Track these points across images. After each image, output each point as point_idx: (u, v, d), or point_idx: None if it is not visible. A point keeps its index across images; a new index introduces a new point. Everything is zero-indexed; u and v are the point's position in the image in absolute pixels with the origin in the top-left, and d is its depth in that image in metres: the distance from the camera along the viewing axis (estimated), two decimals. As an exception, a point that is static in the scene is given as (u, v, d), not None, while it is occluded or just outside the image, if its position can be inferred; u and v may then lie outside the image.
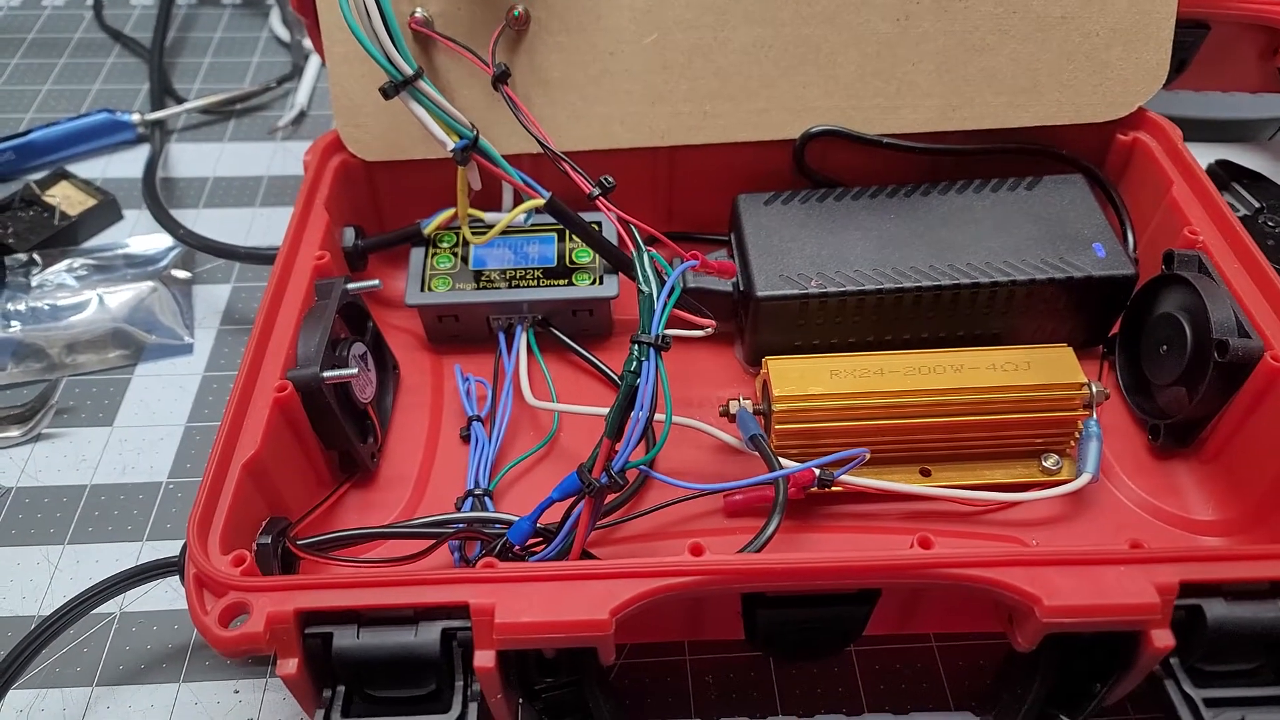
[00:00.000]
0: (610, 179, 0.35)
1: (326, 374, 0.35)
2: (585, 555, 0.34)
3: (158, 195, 0.51)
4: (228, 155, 0.58)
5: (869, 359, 0.38)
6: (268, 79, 0.62)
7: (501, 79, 0.38)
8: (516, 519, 0.34)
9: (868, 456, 0.35)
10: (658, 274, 0.34)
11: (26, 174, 0.56)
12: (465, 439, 0.41)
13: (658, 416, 0.35)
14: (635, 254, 0.34)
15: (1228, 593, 0.29)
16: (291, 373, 0.35)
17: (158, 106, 0.60)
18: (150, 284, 0.49)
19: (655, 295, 0.33)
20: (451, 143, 0.38)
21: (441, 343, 0.45)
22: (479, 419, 0.41)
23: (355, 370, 0.36)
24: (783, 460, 0.36)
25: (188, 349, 0.47)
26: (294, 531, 0.34)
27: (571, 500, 0.33)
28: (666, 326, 0.33)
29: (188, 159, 0.58)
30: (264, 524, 0.33)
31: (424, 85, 0.37)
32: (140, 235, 0.52)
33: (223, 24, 0.69)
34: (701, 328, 0.36)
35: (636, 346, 0.32)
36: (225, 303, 0.49)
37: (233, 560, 0.29)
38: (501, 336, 0.43)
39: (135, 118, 0.58)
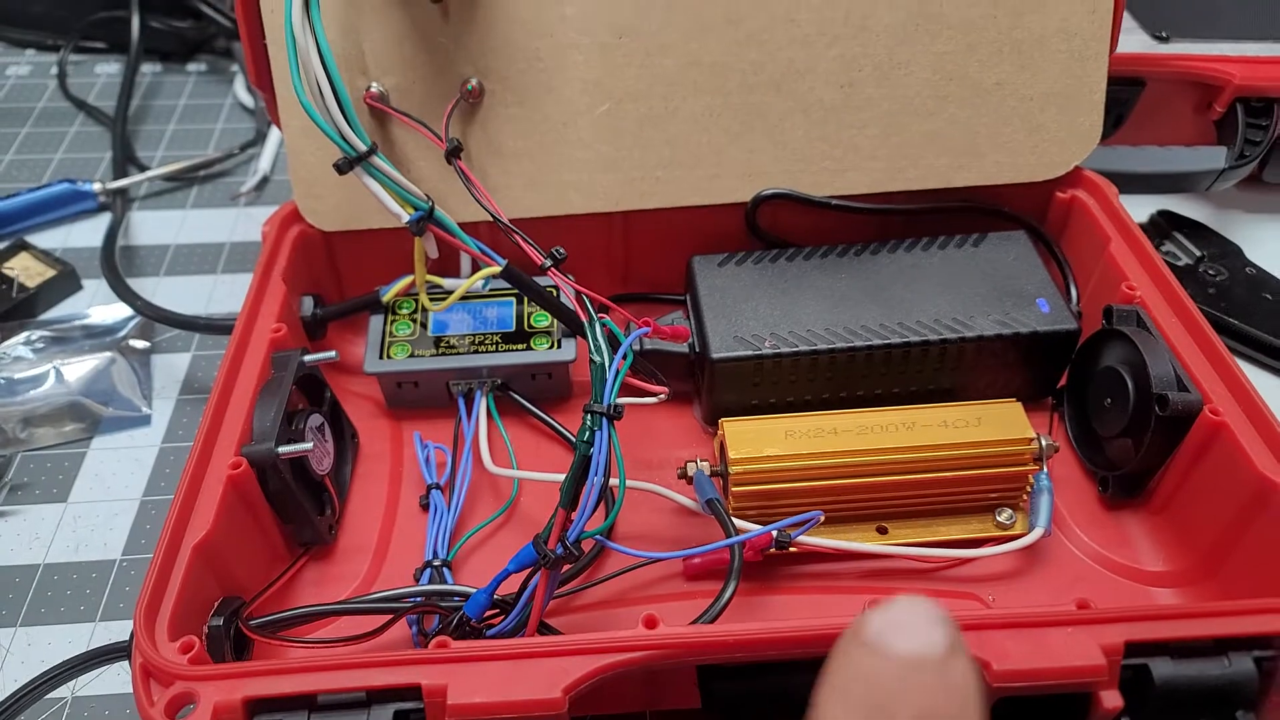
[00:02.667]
0: (561, 250, 0.36)
1: (282, 449, 0.35)
2: (543, 627, 0.34)
3: (116, 266, 0.51)
4: (190, 222, 0.58)
5: (823, 419, 0.39)
6: (231, 145, 0.63)
7: (454, 154, 0.39)
8: (474, 591, 0.34)
9: (822, 518, 0.35)
10: (610, 342, 0.34)
11: (-15, 245, 0.56)
12: (425, 507, 0.41)
13: (614, 481, 0.35)
14: (587, 324, 0.34)
15: (1174, 651, 0.29)
16: (246, 449, 0.35)
17: (120, 175, 0.60)
18: (109, 354, 0.49)
19: (607, 364, 0.34)
20: (406, 215, 0.38)
21: (401, 408, 0.45)
22: (438, 487, 0.41)
23: (311, 444, 0.36)
24: (739, 523, 0.36)
25: (145, 420, 0.47)
26: (248, 610, 0.34)
27: (528, 571, 0.33)
28: (620, 393, 0.33)
29: (149, 227, 0.58)
30: (216, 605, 0.33)
31: (378, 161, 0.38)
32: (100, 305, 0.52)
33: (187, 90, 0.69)
34: (655, 394, 0.36)
35: (589, 416, 0.33)
36: (185, 372, 0.49)
37: (180, 647, 0.29)
38: (461, 401, 0.44)
39: (96, 187, 0.58)
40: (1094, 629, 0.29)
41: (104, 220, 0.58)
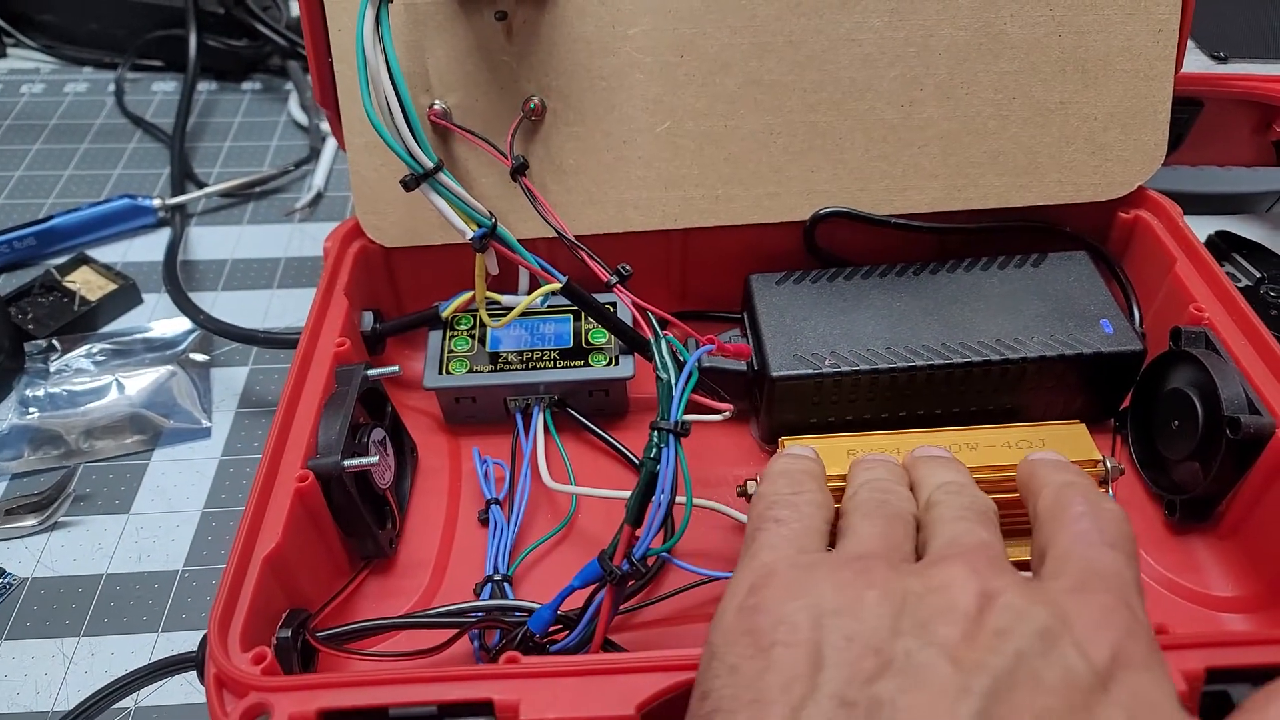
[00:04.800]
0: (628, 267, 0.36)
1: (347, 462, 0.35)
2: (607, 644, 0.33)
3: (178, 279, 0.52)
4: (246, 238, 0.59)
5: (884, 438, 0.38)
6: (286, 162, 0.64)
7: (520, 170, 0.40)
8: (537, 607, 0.34)
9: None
10: (675, 359, 0.34)
11: (47, 259, 0.57)
12: (484, 522, 0.41)
13: (678, 499, 0.35)
14: (653, 341, 0.34)
15: (1255, 677, 0.28)
16: (313, 462, 0.35)
17: (178, 191, 0.61)
18: (169, 368, 0.50)
19: (673, 381, 0.34)
20: (470, 231, 0.39)
21: (459, 424, 0.45)
22: (497, 502, 0.41)
23: (375, 458, 0.36)
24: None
25: (205, 433, 0.47)
26: (314, 622, 0.34)
27: (593, 587, 0.33)
28: (685, 411, 0.33)
29: (207, 242, 0.59)
30: (284, 616, 0.33)
31: (443, 177, 0.38)
32: (160, 319, 0.53)
33: (242, 109, 0.71)
34: (720, 411, 0.36)
35: (656, 433, 0.33)
36: (243, 385, 0.50)
37: (253, 658, 0.29)
38: (519, 417, 0.44)
39: (156, 202, 0.59)
40: (1174, 655, 0.28)
41: (162, 235, 0.59)
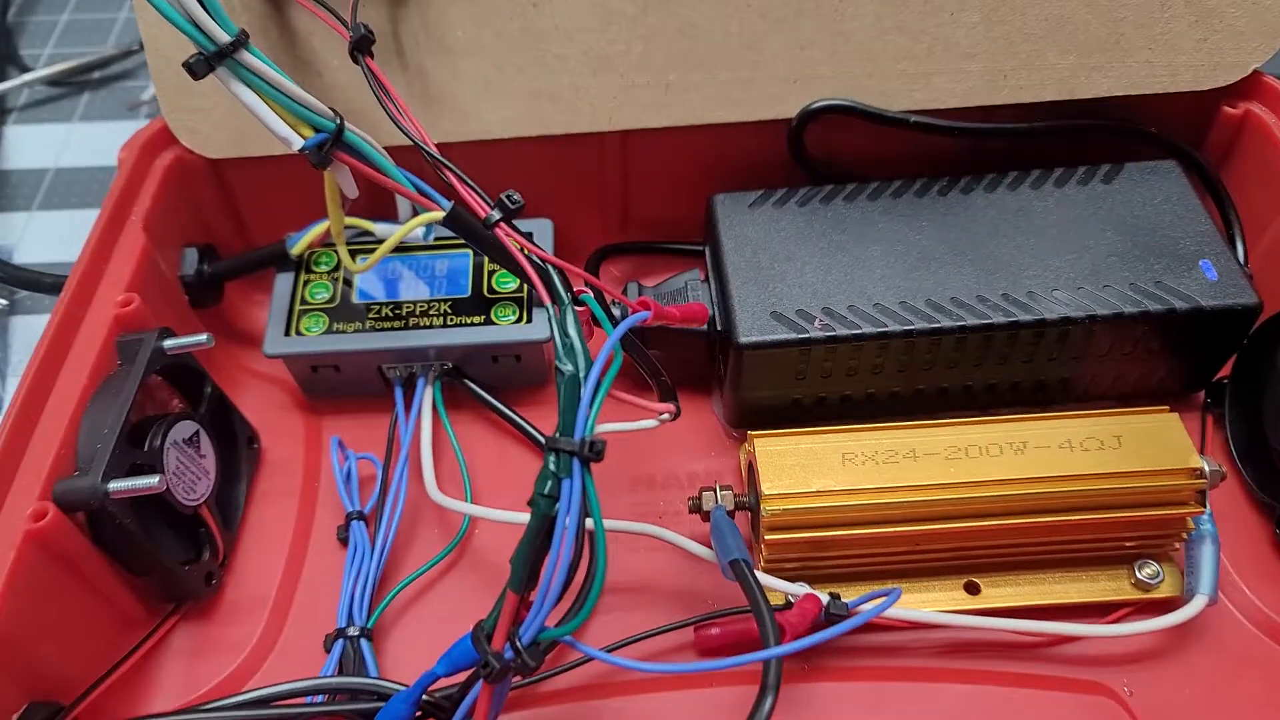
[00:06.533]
0: (516, 196, 0.24)
1: (114, 485, 0.24)
2: (489, 756, 0.23)
3: (-34, 199, 0.40)
4: (76, 138, 0.46)
5: (896, 436, 0.27)
6: (133, 40, 0.50)
7: (361, 47, 0.27)
8: (393, 690, 0.24)
9: (901, 596, 0.24)
10: (584, 342, 0.23)
11: None
12: (342, 541, 0.30)
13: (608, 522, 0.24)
14: (553, 312, 0.22)
15: None
16: (59, 484, 0.24)
17: (-5, 78, 0.48)
18: (-44, 316, 0.38)
19: (581, 376, 0.22)
20: (297, 140, 0.26)
21: (320, 398, 0.34)
22: (361, 516, 0.30)
23: (155, 480, 0.25)
24: (776, 583, 0.25)
25: (-2, 405, 0.36)
26: (73, 716, 0.24)
27: (467, 673, 0.23)
28: (602, 416, 0.22)
29: (25, 145, 0.46)
30: (17, 717, 0.23)
31: (249, 58, 0.25)
32: (-46, 248, 0.41)
33: (89, -29, 0.56)
34: (658, 414, 0.25)
35: (554, 457, 0.21)
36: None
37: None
38: (399, 392, 0.32)
39: (-40, 93, 0.46)
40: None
41: (-30, 137, 0.46)
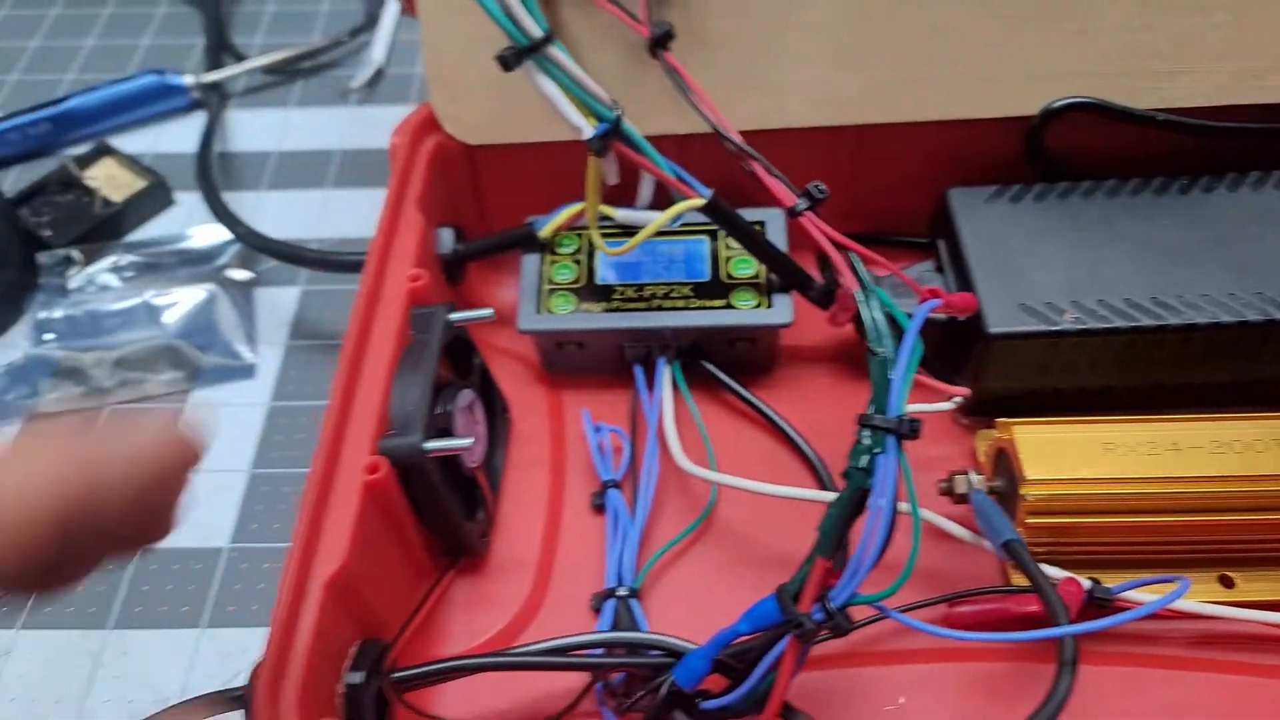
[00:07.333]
0: (822, 187, 0.25)
1: (431, 445, 0.26)
2: (786, 711, 0.25)
3: (213, 179, 0.43)
4: (294, 124, 0.49)
5: (1155, 427, 0.28)
6: (339, 31, 0.53)
7: (662, 42, 0.28)
8: (683, 646, 0.25)
9: (1190, 587, 0.25)
10: (892, 325, 0.24)
11: (64, 148, 0.48)
12: (598, 508, 0.32)
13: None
14: (861, 301, 0.24)
15: None
16: (386, 443, 0.26)
17: (214, 66, 0.51)
18: (208, 287, 0.41)
19: (890, 359, 0.23)
20: (589, 128, 0.28)
21: (560, 374, 0.36)
22: (616, 485, 0.32)
23: (469, 440, 0.27)
24: (1049, 571, 0.26)
25: (249, 370, 0.39)
26: (392, 654, 0.26)
27: (764, 634, 0.24)
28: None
29: (249, 129, 0.49)
30: (352, 654, 0.25)
31: (556, 53, 0.27)
32: (198, 224, 0.44)
33: (285, -35, 0.59)
34: (952, 396, 0.26)
35: (869, 432, 0.23)
36: (294, 311, 0.41)
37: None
38: (639, 371, 0.34)
39: (189, 80, 0.49)
40: None
41: (196, 121, 0.49)
